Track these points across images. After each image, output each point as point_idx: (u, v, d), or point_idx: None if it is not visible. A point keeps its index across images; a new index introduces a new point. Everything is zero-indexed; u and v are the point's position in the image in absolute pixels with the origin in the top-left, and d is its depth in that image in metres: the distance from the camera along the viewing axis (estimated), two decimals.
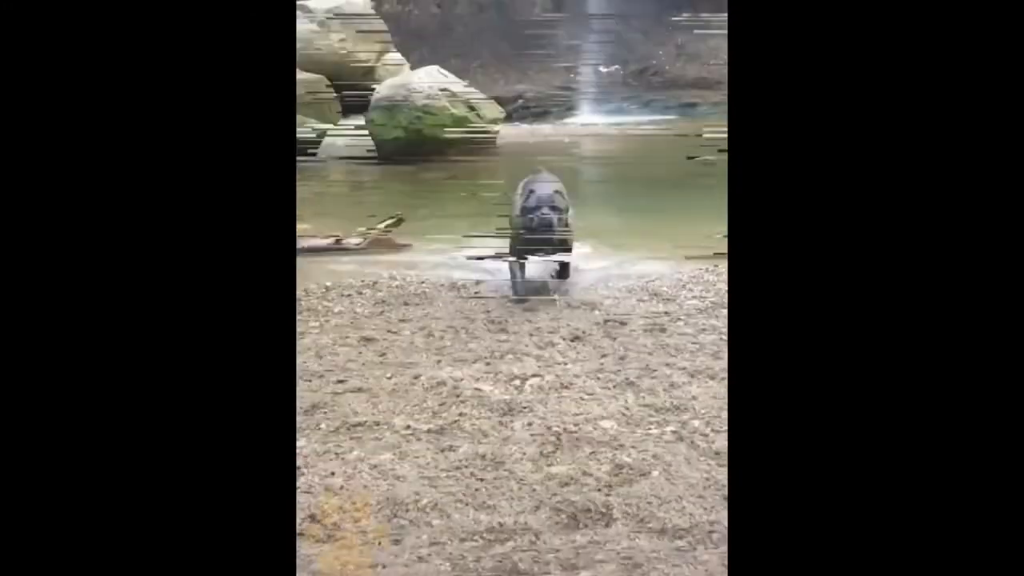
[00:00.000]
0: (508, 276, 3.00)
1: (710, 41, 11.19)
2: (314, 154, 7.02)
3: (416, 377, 2.18)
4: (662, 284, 3.12)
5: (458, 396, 2.03)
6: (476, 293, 2.97)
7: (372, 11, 10.14)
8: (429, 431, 1.88)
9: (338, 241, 3.94)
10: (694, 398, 2.01)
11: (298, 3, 8.57)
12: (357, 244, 3.94)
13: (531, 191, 2.89)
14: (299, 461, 1.71)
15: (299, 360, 2.17)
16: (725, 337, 2.49)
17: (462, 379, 2.14)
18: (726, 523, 1.49)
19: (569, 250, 3.00)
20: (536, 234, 2.80)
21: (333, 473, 1.69)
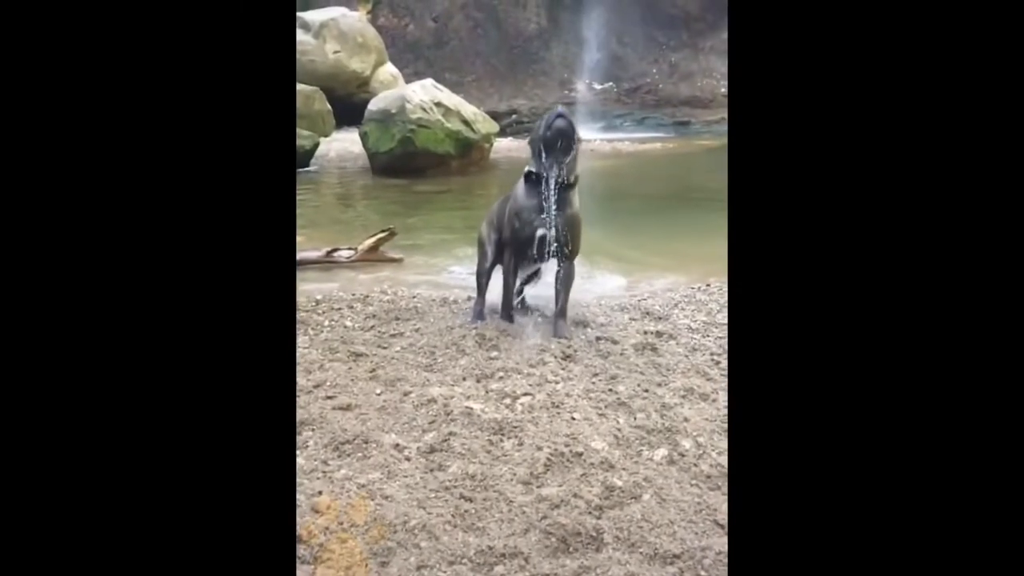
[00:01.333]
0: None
1: (703, 60, 11.31)
2: (307, 165, 7.01)
3: (406, 394, 2.16)
4: (654, 303, 3.12)
5: (448, 414, 2.01)
6: (467, 309, 2.95)
7: (368, 24, 10.18)
8: (419, 450, 1.85)
9: (329, 254, 3.92)
10: (686, 419, 2.00)
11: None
12: (348, 257, 3.92)
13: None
14: None
15: None
16: (717, 357, 2.49)
17: (452, 397, 2.12)
18: (717, 549, 1.47)
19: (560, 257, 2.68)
20: (551, 144, 2.58)
21: (320, 492, 1.66)
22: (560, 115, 2.62)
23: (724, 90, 11.39)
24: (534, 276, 2.93)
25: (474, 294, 2.95)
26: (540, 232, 2.63)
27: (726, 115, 10.86)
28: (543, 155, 2.61)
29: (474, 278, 2.95)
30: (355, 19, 9.93)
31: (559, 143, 2.59)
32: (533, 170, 2.66)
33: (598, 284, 3.52)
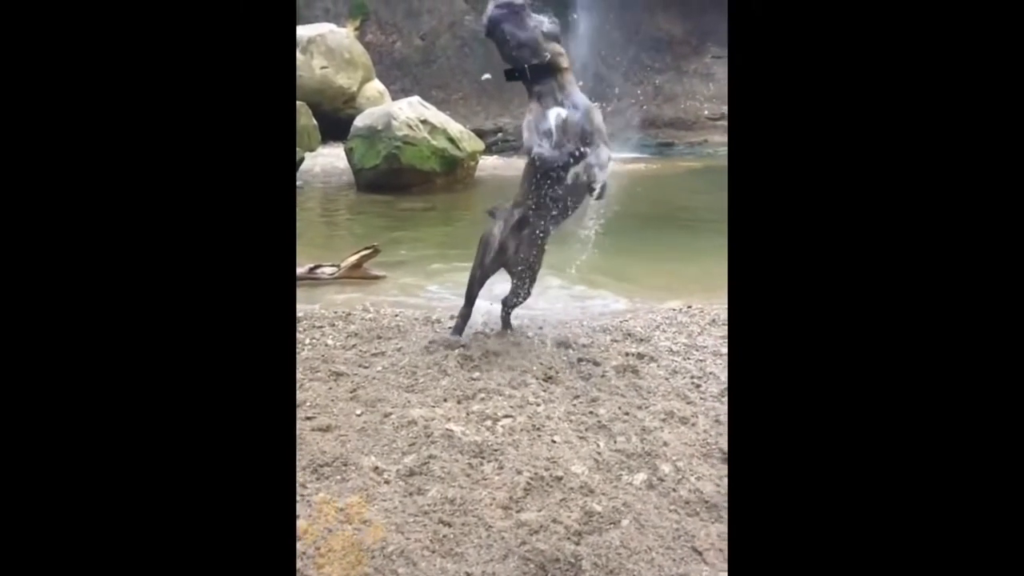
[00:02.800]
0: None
1: (687, 83, 11.48)
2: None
3: (386, 415, 2.15)
4: (636, 324, 3.13)
5: (428, 437, 2.00)
6: (450, 328, 2.95)
7: (356, 40, 10.23)
8: (398, 473, 1.84)
9: (312, 270, 3.90)
10: (665, 444, 2.01)
11: None
12: (331, 274, 3.91)
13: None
14: None
15: None
16: (697, 380, 2.50)
17: (433, 418, 2.11)
18: None
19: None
20: (495, 40, 2.39)
21: (298, 516, 1.65)
22: (493, 9, 2.39)
23: (707, 112, 11.56)
24: (519, 292, 2.88)
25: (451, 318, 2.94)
26: (554, 112, 2.40)
27: (708, 137, 11.05)
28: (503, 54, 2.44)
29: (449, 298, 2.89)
30: (343, 35, 9.97)
31: (501, 42, 2.39)
32: (508, 67, 2.49)
33: (600, 306, 3.53)
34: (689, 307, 3.40)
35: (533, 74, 2.47)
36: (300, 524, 1.62)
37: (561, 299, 3.56)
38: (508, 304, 2.90)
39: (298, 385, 2.36)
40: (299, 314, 3.14)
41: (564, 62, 2.49)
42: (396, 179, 6.84)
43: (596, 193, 2.42)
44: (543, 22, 2.46)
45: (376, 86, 10.02)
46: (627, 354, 2.72)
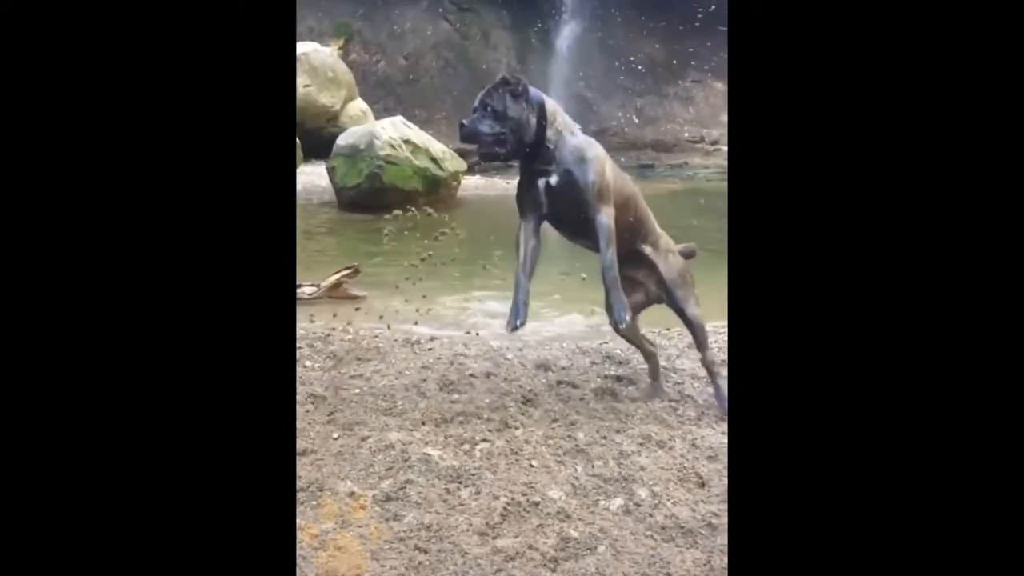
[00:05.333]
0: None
1: (667, 106, 11.67)
2: None
3: (364, 439, 2.13)
4: (615, 346, 3.15)
5: (406, 461, 1.99)
6: (429, 349, 2.95)
7: (339, 59, 10.27)
8: (374, 498, 1.83)
9: None
10: (642, 468, 2.02)
11: None
12: (311, 294, 3.89)
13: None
14: None
15: None
16: (674, 404, 2.52)
17: (411, 442, 2.10)
18: None
19: None
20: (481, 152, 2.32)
21: None
22: (470, 130, 2.26)
23: (687, 134, 11.72)
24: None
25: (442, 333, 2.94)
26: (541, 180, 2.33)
27: (688, 159, 11.20)
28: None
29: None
30: (326, 54, 10.00)
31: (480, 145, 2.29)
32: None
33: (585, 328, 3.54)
34: (667, 330, 3.42)
35: (515, 152, 2.32)
36: None
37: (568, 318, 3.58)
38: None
39: None
40: None
41: (548, 114, 2.32)
42: (378, 198, 6.82)
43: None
44: (505, 99, 2.28)
45: (359, 105, 10.03)
46: (606, 376, 2.73)
